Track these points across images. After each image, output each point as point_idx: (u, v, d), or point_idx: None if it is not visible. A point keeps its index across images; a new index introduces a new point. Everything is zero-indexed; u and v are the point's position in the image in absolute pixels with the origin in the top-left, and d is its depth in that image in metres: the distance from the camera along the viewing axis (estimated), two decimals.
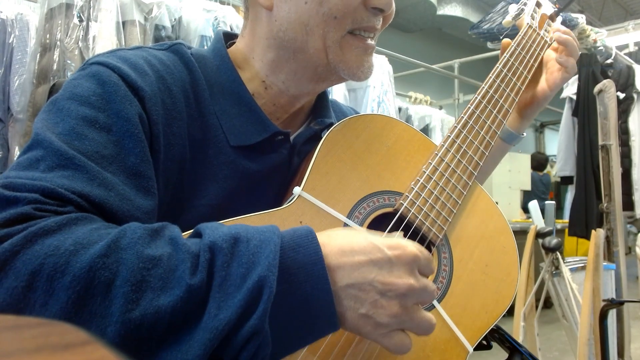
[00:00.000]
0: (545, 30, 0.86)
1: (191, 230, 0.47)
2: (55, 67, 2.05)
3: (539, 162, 6.00)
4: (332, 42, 0.62)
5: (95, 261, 0.39)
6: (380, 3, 0.62)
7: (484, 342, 0.66)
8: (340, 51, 0.62)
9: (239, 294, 0.40)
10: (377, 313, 0.45)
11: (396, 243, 0.48)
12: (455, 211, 0.66)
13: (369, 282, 0.45)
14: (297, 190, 0.58)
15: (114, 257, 0.40)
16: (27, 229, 0.40)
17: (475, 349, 0.62)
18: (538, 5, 0.88)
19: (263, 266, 0.41)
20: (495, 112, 0.74)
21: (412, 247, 0.48)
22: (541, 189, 5.89)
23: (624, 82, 3.38)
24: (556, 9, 0.89)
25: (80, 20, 2.13)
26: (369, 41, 0.65)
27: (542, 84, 0.82)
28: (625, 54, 3.53)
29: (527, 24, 0.84)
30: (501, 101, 0.75)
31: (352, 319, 0.45)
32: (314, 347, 0.51)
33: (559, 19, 0.89)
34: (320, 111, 0.74)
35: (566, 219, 3.73)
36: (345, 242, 0.47)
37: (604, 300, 1.82)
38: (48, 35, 2.10)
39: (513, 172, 4.56)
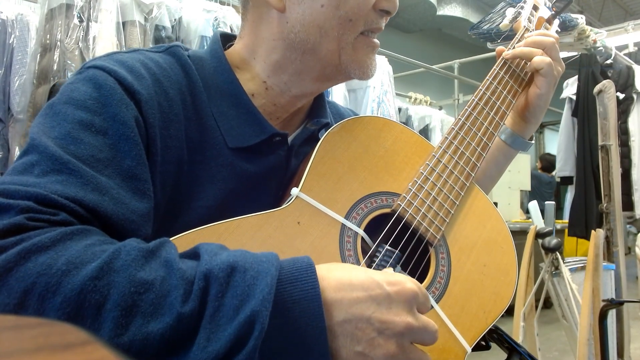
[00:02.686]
0: None
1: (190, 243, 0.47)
2: (55, 67, 2.05)
3: (550, 163, 5.79)
4: (346, 43, 0.64)
5: (87, 283, 0.39)
6: (388, 6, 0.65)
7: (483, 343, 0.66)
8: (353, 52, 0.64)
9: (229, 327, 0.39)
10: (373, 352, 0.44)
11: (396, 279, 0.47)
12: (452, 212, 0.66)
13: (367, 319, 0.44)
14: (294, 191, 0.58)
15: (106, 280, 0.39)
16: (21, 244, 0.40)
17: (473, 349, 0.62)
18: (535, 8, 0.89)
19: (257, 300, 0.40)
20: (492, 114, 0.74)
21: (411, 284, 0.47)
22: (549, 190, 5.77)
23: (624, 83, 3.38)
24: (553, 12, 0.89)
25: (81, 21, 2.13)
26: (375, 40, 0.67)
27: (533, 85, 0.82)
28: (624, 54, 3.53)
29: (524, 27, 0.84)
30: (498, 103, 0.75)
31: (347, 356, 0.44)
32: None
33: (556, 22, 0.89)
34: (317, 111, 0.75)
35: (566, 219, 3.73)
36: (344, 276, 0.46)
37: (603, 301, 1.82)
38: (48, 36, 2.10)
39: (513, 173, 4.56)
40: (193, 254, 0.45)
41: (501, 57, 0.80)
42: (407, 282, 0.47)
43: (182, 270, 0.42)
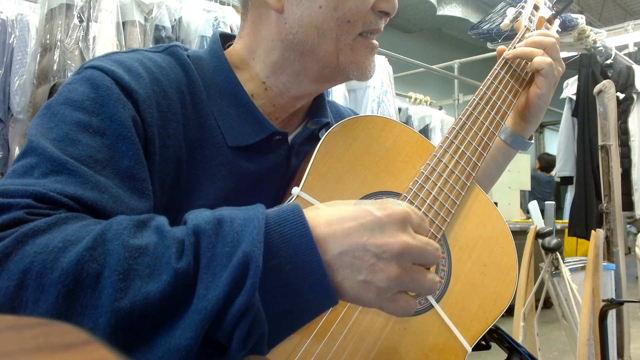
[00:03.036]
0: None
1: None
2: (55, 67, 2.05)
3: (548, 163, 5.77)
4: (344, 44, 0.63)
5: (83, 254, 0.39)
6: (387, 7, 0.65)
7: (483, 342, 0.66)
8: (351, 53, 0.64)
9: (225, 272, 0.40)
10: (376, 277, 0.44)
11: (385, 205, 0.47)
12: (453, 212, 0.66)
13: (362, 247, 0.44)
14: (295, 190, 0.58)
15: (101, 249, 0.40)
16: (18, 231, 0.41)
17: (474, 349, 0.62)
18: (536, 8, 0.88)
19: (247, 242, 0.41)
20: (493, 113, 0.74)
21: (402, 206, 0.47)
22: (548, 190, 5.73)
23: (624, 83, 3.38)
24: (554, 12, 0.89)
25: (81, 21, 2.13)
26: (374, 41, 0.67)
27: (534, 85, 0.82)
28: (624, 54, 3.53)
29: (525, 27, 0.84)
30: (499, 103, 0.75)
31: (352, 288, 0.44)
32: (309, 329, 0.50)
33: (557, 21, 0.89)
34: (317, 111, 0.75)
35: (566, 219, 3.73)
36: (333, 212, 0.46)
37: (603, 301, 1.82)
38: (48, 36, 2.10)
39: (513, 173, 4.55)
40: (182, 223, 0.46)
41: (502, 57, 0.80)
42: (397, 205, 0.47)
43: (172, 232, 0.42)
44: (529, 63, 0.78)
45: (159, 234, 0.43)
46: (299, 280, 0.42)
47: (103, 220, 0.45)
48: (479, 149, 0.71)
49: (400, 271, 0.44)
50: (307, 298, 0.43)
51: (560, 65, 0.79)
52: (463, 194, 0.68)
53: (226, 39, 0.73)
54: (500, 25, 0.87)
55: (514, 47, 0.80)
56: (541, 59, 0.76)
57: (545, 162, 5.85)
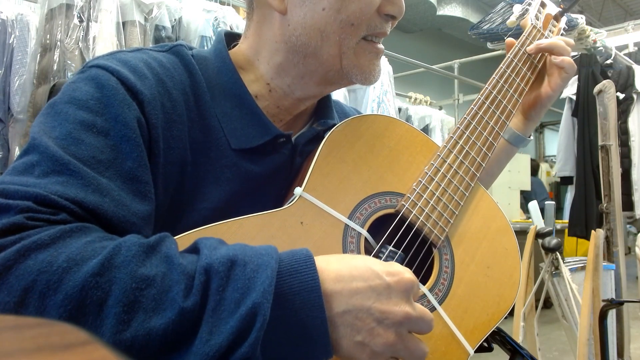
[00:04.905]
0: (550, 31, 0.85)
1: (189, 243, 0.47)
2: (55, 67, 2.05)
3: (531, 167, 5.92)
4: (347, 48, 0.62)
5: (88, 280, 0.38)
6: (393, 10, 0.64)
7: (485, 344, 0.65)
8: (354, 57, 0.63)
9: (231, 320, 0.39)
10: (373, 341, 0.45)
11: (394, 269, 0.48)
12: (457, 212, 0.66)
13: (367, 310, 0.45)
14: (298, 190, 0.58)
15: (107, 276, 0.39)
16: (21, 242, 0.40)
17: (476, 351, 0.62)
18: (542, 5, 0.88)
19: (258, 292, 0.40)
20: (498, 113, 0.74)
21: (409, 274, 0.48)
22: (540, 189, 5.81)
23: (624, 83, 3.38)
24: (561, 9, 0.88)
25: (81, 21, 2.13)
26: (379, 45, 0.66)
27: (545, 85, 0.81)
28: (624, 54, 3.53)
29: (532, 24, 0.83)
30: (504, 102, 0.75)
31: (348, 347, 0.45)
32: None
33: (564, 19, 0.88)
34: (323, 112, 0.74)
35: (566, 219, 3.73)
36: (343, 267, 0.46)
37: (603, 301, 1.82)
38: (48, 36, 2.09)
39: (513, 173, 4.56)
40: (192, 249, 0.45)
41: (510, 53, 0.79)
42: (406, 273, 0.48)
43: (183, 265, 0.42)
44: (554, 59, 0.78)
45: (169, 264, 0.42)
46: (301, 333, 0.42)
47: (109, 235, 0.44)
48: (484, 149, 0.71)
49: (396, 339, 0.46)
50: (305, 350, 0.43)
51: None
52: (467, 194, 0.67)
53: (231, 38, 0.72)
54: (507, 22, 0.87)
55: (521, 44, 0.80)
56: (570, 59, 0.77)
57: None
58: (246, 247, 0.45)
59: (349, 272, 0.46)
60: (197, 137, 0.60)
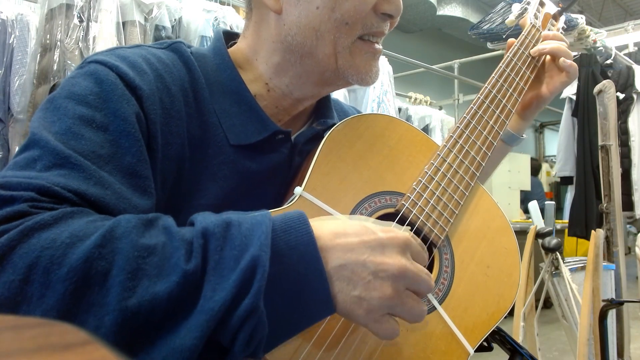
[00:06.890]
0: (549, 30, 0.85)
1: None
2: (55, 67, 2.05)
3: (533, 167, 5.83)
4: (342, 47, 0.62)
5: (91, 251, 0.39)
6: (390, 9, 0.63)
7: (485, 344, 0.65)
8: (350, 56, 0.63)
9: (233, 275, 0.40)
10: (369, 295, 0.45)
11: (388, 227, 0.48)
12: (457, 212, 0.66)
13: (362, 263, 0.45)
14: (298, 190, 0.58)
15: (110, 247, 0.40)
16: (23, 224, 0.40)
17: (476, 351, 0.62)
18: (541, 4, 0.88)
19: (255, 247, 0.41)
20: (497, 112, 0.74)
21: (404, 233, 0.49)
22: (539, 190, 5.81)
23: (624, 83, 3.39)
24: (560, 8, 0.88)
25: (81, 21, 2.13)
26: (377, 45, 0.65)
27: (543, 87, 0.81)
28: (624, 54, 3.53)
29: (531, 23, 0.83)
30: (504, 101, 0.75)
31: (344, 302, 0.45)
32: (312, 332, 0.50)
33: (562, 18, 0.88)
34: (323, 112, 0.74)
35: (566, 219, 3.73)
36: (337, 225, 0.47)
37: (603, 301, 1.82)
38: (48, 36, 2.09)
39: (513, 173, 4.56)
40: (188, 224, 0.46)
41: (509, 52, 0.79)
42: (400, 231, 0.49)
43: (181, 233, 0.43)
44: (560, 61, 0.78)
45: (168, 234, 0.43)
46: (300, 287, 0.43)
47: (109, 217, 0.45)
48: (484, 149, 0.71)
49: (393, 293, 0.46)
50: (306, 305, 0.43)
51: None
52: (467, 194, 0.67)
53: (229, 37, 0.72)
54: (505, 21, 0.87)
55: (520, 43, 0.80)
56: (575, 65, 0.78)
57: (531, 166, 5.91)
58: (239, 212, 0.46)
59: (343, 229, 0.47)
60: (196, 133, 0.60)
